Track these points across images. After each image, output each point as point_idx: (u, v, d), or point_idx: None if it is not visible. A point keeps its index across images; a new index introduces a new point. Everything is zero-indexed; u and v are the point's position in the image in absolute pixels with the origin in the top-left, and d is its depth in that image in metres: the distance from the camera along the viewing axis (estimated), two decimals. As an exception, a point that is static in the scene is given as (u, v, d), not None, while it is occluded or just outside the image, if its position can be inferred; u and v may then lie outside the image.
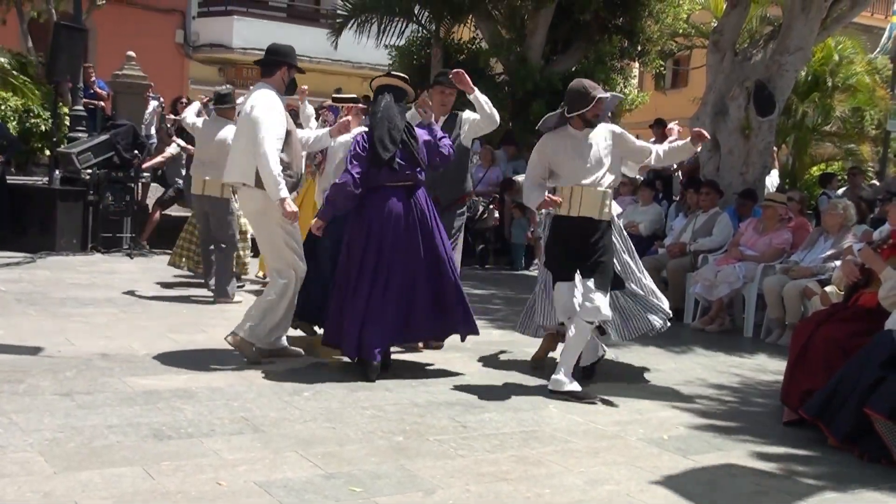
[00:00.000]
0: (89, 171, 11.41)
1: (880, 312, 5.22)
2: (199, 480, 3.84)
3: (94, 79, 15.91)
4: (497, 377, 6.17)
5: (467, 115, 7.01)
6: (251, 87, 6.26)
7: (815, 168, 17.90)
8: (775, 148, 12.35)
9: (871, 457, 4.79)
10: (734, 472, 4.51)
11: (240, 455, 4.19)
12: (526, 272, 12.71)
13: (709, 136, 5.25)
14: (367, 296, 5.81)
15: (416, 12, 15.76)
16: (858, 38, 19.41)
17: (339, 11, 16.55)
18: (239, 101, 11.77)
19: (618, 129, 5.95)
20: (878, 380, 4.77)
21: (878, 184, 14.18)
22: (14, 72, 15.43)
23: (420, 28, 16.22)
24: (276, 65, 6.12)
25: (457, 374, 6.18)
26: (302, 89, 7.52)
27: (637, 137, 6.16)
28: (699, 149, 5.35)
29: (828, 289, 6.95)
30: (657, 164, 6.35)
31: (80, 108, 13.11)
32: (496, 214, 13.13)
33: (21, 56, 16.80)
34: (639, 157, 6.06)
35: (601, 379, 6.34)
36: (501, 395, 5.70)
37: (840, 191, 13.02)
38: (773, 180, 11.82)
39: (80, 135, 12.30)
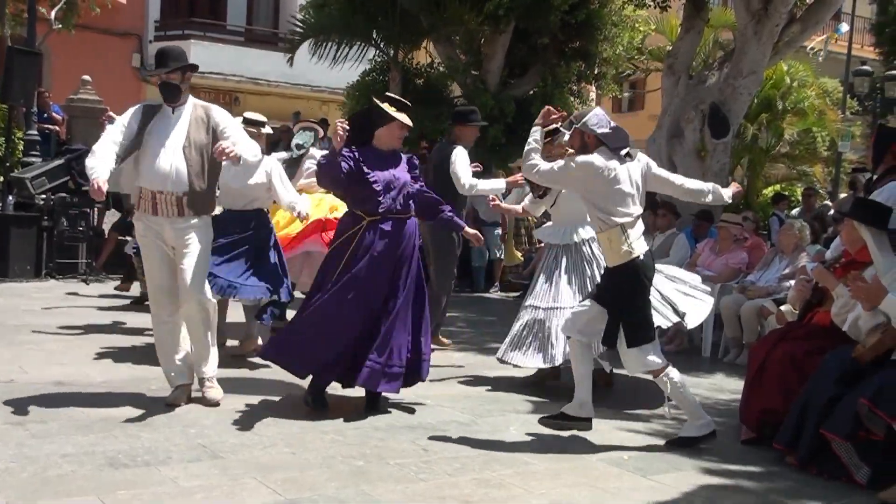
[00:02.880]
0: (44, 196, 11.27)
1: (834, 330, 5.31)
2: (156, 509, 3.79)
3: (49, 102, 15.72)
4: (458, 400, 6.16)
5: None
6: None
7: (769, 189, 18.19)
8: None
9: (830, 475, 4.83)
10: (694, 492, 4.53)
11: (197, 483, 4.14)
12: (485, 295, 12.76)
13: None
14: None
15: (373, 35, 15.78)
16: (809, 61, 19.84)
17: (296, 29, 16.44)
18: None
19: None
20: (833, 398, 4.83)
21: (829, 204, 14.44)
22: None
23: (378, 51, 16.25)
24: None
25: (417, 397, 6.16)
26: None
27: None
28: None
29: (783, 308, 7.04)
30: None
31: (35, 132, 12.95)
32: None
33: None
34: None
35: (560, 400, 6.36)
36: (462, 418, 5.69)
37: (794, 211, 13.24)
38: None
39: (34, 160, 12.14)
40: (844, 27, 25.40)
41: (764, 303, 8.13)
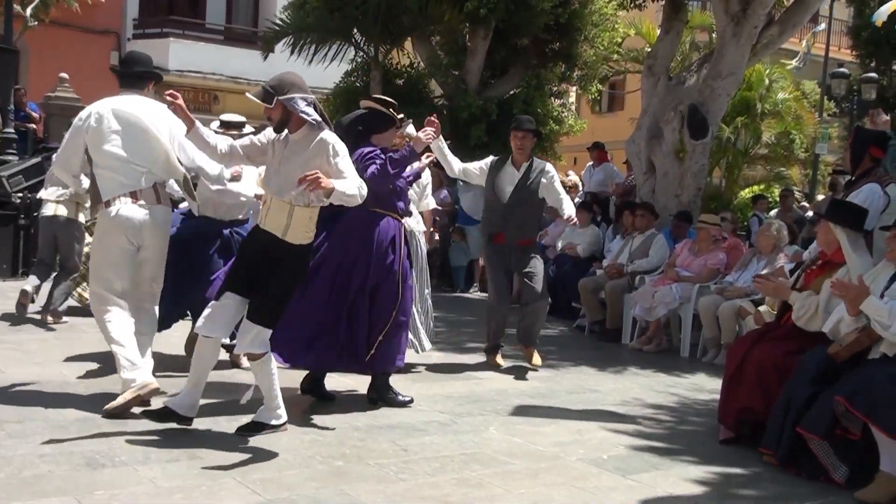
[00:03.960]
0: (20, 194, 11.17)
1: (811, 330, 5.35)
2: (133, 510, 3.76)
3: (25, 99, 15.60)
4: (437, 400, 6.16)
5: (549, 169, 7.58)
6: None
7: (746, 190, 18.31)
8: None
9: (809, 475, 4.86)
10: (673, 492, 4.55)
11: (176, 483, 4.11)
12: (465, 294, 12.77)
13: None
14: None
15: (354, 34, 15.73)
16: (786, 63, 19.99)
17: (276, 26, 16.29)
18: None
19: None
20: (811, 397, 4.86)
21: (807, 205, 14.57)
22: None
23: (358, 51, 16.21)
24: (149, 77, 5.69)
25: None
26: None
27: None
28: None
29: (761, 308, 7.09)
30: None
31: (11, 130, 12.84)
32: (436, 237, 13.17)
33: None
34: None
35: (540, 400, 6.38)
36: (442, 417, 5.69)
37: (772, 212, 13.33)
38: None
39: (10, 158, 12.04)
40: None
41: (742, 303, 8.17)
